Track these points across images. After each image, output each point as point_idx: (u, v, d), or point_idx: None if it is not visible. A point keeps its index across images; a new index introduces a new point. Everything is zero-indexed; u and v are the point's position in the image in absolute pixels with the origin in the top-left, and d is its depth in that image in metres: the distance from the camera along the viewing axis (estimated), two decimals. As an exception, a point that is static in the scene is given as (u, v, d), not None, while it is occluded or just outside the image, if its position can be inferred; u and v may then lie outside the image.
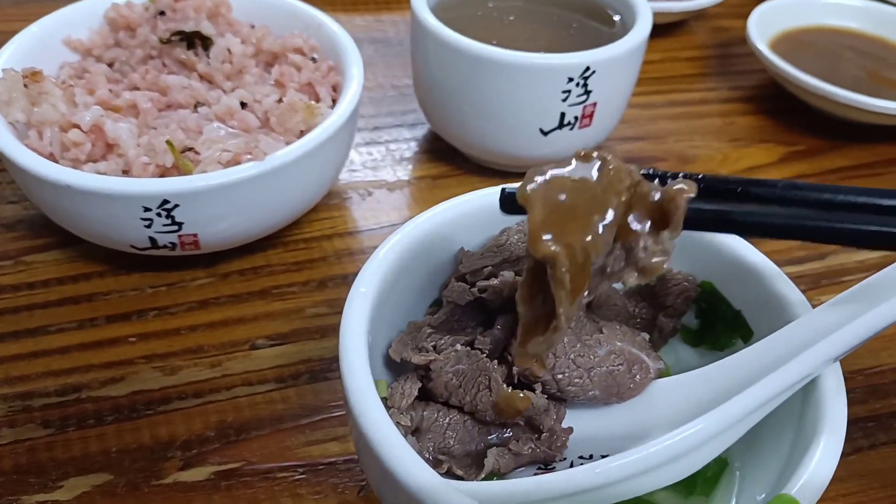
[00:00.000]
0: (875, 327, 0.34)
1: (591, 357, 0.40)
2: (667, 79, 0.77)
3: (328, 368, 0.50)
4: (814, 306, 0.39)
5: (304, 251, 0.58)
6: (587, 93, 0.57)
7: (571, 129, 0.59)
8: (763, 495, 0.38)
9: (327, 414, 0.48)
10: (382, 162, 0.66)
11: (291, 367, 0.50)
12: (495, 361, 0.40)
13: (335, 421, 0.47)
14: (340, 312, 0.53)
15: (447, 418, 0.40)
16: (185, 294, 0.54)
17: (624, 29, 0.61)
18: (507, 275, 0.44)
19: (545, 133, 0.59)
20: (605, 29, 0.63)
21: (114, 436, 0.46)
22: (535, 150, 0.61)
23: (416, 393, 0.39)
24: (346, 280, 0.56)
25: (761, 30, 0.77)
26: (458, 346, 0.41)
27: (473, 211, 0.45)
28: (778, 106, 0.75)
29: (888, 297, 0.34)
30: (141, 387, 0.48)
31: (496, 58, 0.55)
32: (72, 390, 0.48)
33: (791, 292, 0.40)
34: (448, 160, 0.66)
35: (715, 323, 0.45)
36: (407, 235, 0.43)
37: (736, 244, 0.43)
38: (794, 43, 0.79)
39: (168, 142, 0.48)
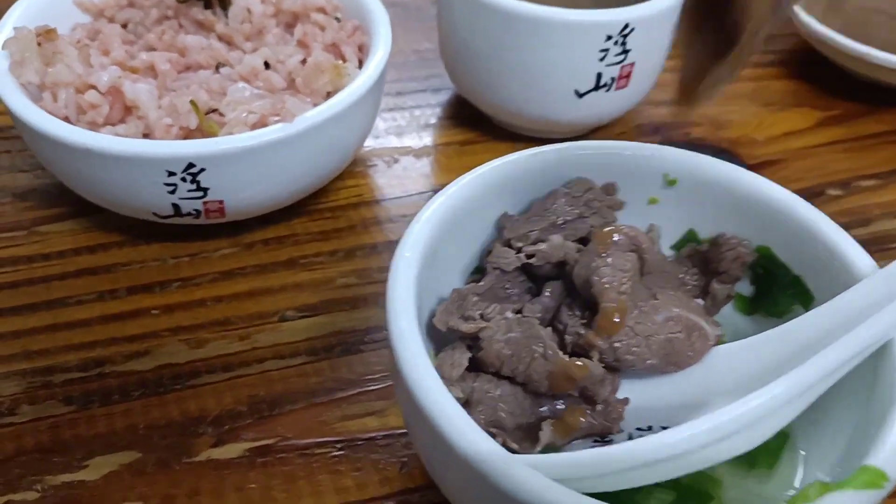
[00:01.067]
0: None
1: (649, 324, 0.38)
2: (696, 42, 0.74)
3: (361, 340, 0.48)
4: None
5: (329, 220, 0.55)
6: (625, 52, 0.55)
7: (608, 90, 0.57)
8: (828, 468, 0.36)
9: (363, 388, 0.45)
10: (407, 128, 0.63)
11: (323, 339, 0.48)
12: (549, 329, 0.38)
13: (372, 395, 0.45)
14: (370, 283, 0.52)
15: (498, 390, 0.38)
16: (208, 264, 0.52)
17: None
18: (556, 239, 0.41)
19: (580, 95, 0.56)
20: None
21: (140, 412, 0.44)
22: (569, 114, 0.58)
23: (466, 363, 0.37)
24: (375, 249, 0.54)
25: (794, -9, 0.74)
26: (508, 314, 0.39)
27: (517, 173, 0.43)
28: (812, 70, 0.72)
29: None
30: (167, 360, 0.46)
31: (529, 15, 0.53)
32: (94, 365, 0.46)
33: (856, 253, 0.38)
34: (475, 126, 0.64)
35: (772, 289, 0.43)
36: (450, 197, 0.41)
37: (795, 203, 0.41)
38: (827, 5, 0.76)
39: (192, 102, 0.46)
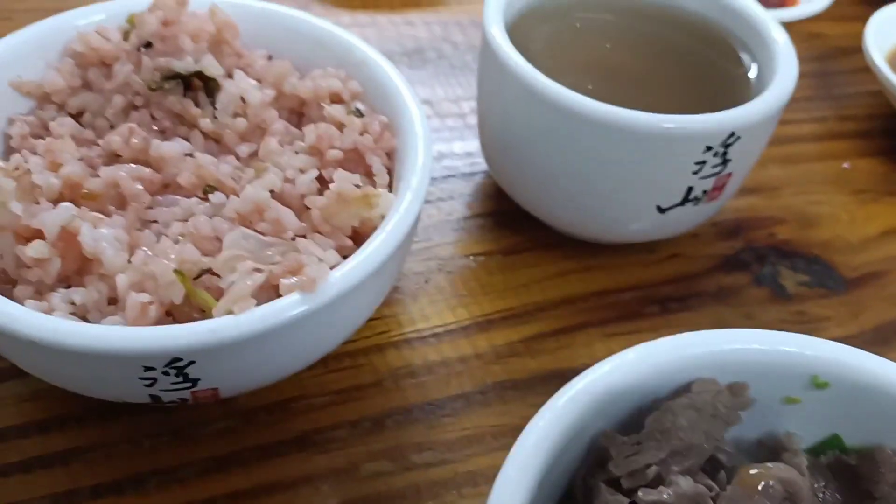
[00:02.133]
0: None
1: None
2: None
3: (402, 564, 0.37)
4: None
5: (350, 371, 0.44)
6: (725, 162, 0.43)
7: (696, 204, 0.45)
8: None
9: None
10: (436, 230, 0.51)
11: (351, 564, 0.37)
12: None
13: None
14: (407, 469, 0.40)
15: None
16: (196, 448, 0.40)
17: (759, 74, 0.47)
18: (685, 483, 0.31)
19: (663, 210, 0.45)
20: (731, 68, 0.49)
21: None
22: (645, 228, 0.47)
23: None
24: (411, 416, 0.42)
25: (877, 41, 0.63)
26: None
27: (625, 381, 0.32)
28: (904, 143, 0.62)
29: None
30: None
31: (612, 119, 0.41)
32: None
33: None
34: (518, 226, 0.52)
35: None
36: (559, 418, 0.30)
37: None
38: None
39: (177, 271, 0.33)
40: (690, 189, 0.44)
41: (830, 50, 0.70)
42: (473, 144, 0.54)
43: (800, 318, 0.49)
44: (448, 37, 0.66)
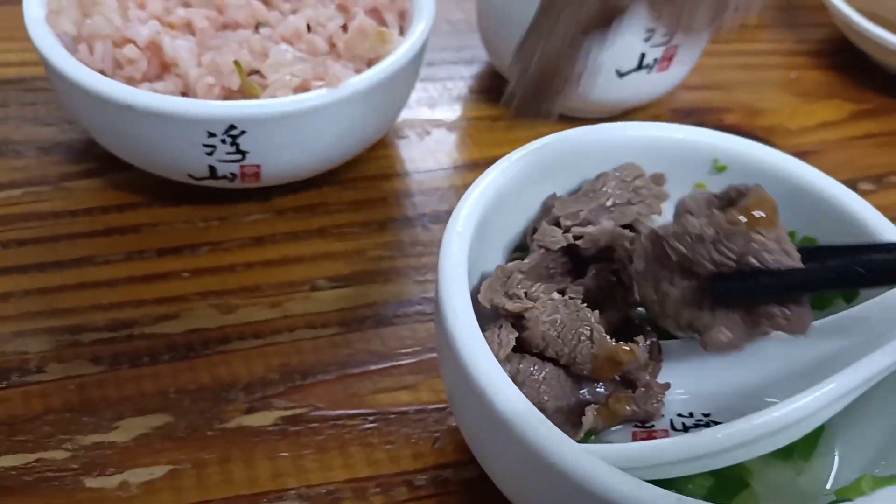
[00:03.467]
0: None
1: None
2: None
3: (393, 314, 0.47)
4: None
5: (361, 190, 0.54)
6: (671, 34, 0.54)
7: (649, 71, 0.56)
8: (863, 464, 0.36)
9: (395, 361, 0.45)
10: (439, 100, 0.62)
11: (355, 310, 0.47)
12: (596, 312, 0.38)
13: (404, 369, 0.45)
14: (403, 256, 0.51)
15: (542, 372, 0.37)
16: (238, 229, 0.51)
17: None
18: (607, 224, 0.41)
19: (621, 75, 0.56)
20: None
21: (170, 376, 0.43)
22: (609, 94, 0.57)
23: (513, 342, 0.37)
24: (409, 221, 0.53)
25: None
26: (554, 295, 0.38)
27: (565, 153, 0.42)
28: (847, 61, 0.71)
29: None
30: (197, 325, 0.45)
31: (578, -9, 0.52)
32: (122, 326, 0.45)
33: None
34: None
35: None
36: (502, 173, 0.40)
37: (844, 195, 0.41)
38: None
39: (236, 62, 0.45)
40: (643, 55, 0.54)
41: (796, -10, 0.80)
42: (475, 41, 0.64)
43: (736, 178, 0.59)
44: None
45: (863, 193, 0.59)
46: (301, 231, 0.51)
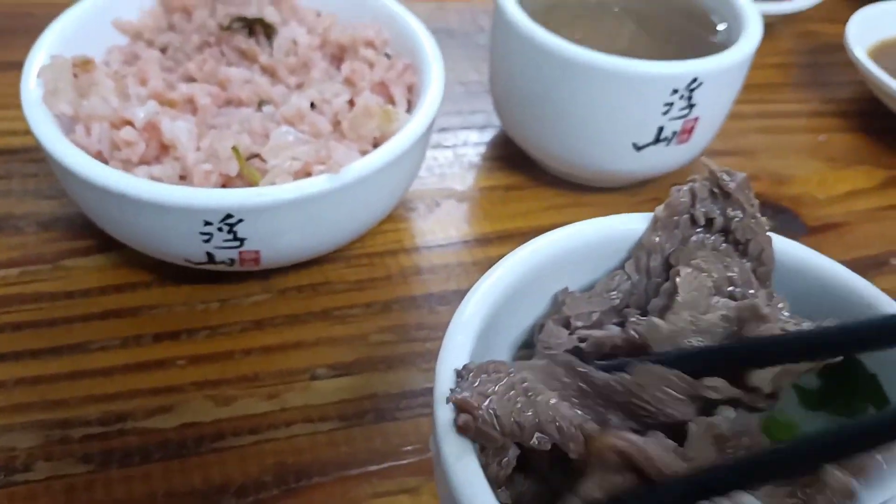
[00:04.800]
0: None
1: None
2: (755, 87, 0.70)
3: (396, 407, 0.45)
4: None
5: (366, 268, 0.53)
6: (690, 106, 0.51)
7: (668, 144, 0.53)
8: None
9: (396, 461, 0.43)
10: (450, 168, 0.61)
11: (355, 402, 0.45)
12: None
13: (405, 470, 0.42)
14: (408, 341, 0.49)
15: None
16: (238, 312, 0.49)
17: (729, 37, 0.55)
18: (613, 329, 0.38)
19: (638, 148, 0.53)
20: (708, 36, 0.57)
21: (161, 477, 0.41)
22: (625, 166, 0.55)
23: (514, 462, 0.34)
24: (414, 302, 0.51)
25: (860, 37, 0.70)
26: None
27: (579, 246, 0.40)
28: (877, 124, 0.68)
29: None
30: (191, 418, 0.44)
31: (593, 63, 0.50)
32: (115, 419, 0.43)
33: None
34: (521, 169, 0.61)
35: (843, 385, 0.40)
36: (510, 271, 0.38)
37: (872, 294, 0.38)
38: None
39: (234, 148, 0.43)
40: (661, 129, 0.52)
41: (821, 46, 0.78)
42: (489, 104, 0.63)
43: (760, 253, 0.56)
44: (475, 20, 0.76)
45: (894, 269, 0.57)
46: (303, 313, 0.49)
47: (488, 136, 0.64)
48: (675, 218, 0.39)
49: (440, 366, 0.33)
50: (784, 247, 0.40)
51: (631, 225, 0.41)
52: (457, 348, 0.34)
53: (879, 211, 0.61)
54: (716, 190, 0.38)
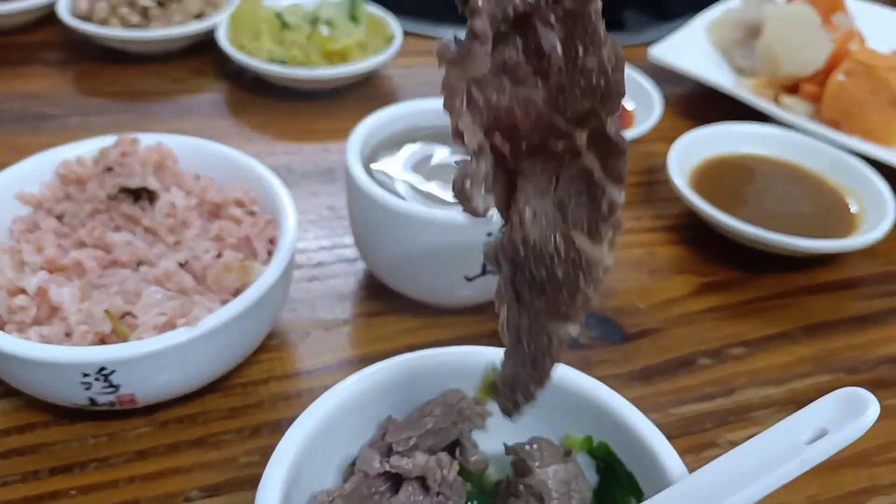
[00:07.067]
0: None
1: None
2: (595, 207, 0.81)
3: (258, 522, 0.53)
4: (720, 444, 0.50)
5: (240, 396, 0.61)
6: (506, 245, 0.61)
7: (495, 273, 0.63)
8: None
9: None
10: (322, 299, 0.70)
11: (222, 522, 0.53)
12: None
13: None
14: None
15: None
16: (124, 444, 0.57)
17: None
18: (421, 458, 0.47)
19: (469, 279, 0.63)
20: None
21: None
22: (462, 293, 0.65)
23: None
24: (280, 426, 0.59)
25: (684, 159, 0.82)
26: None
27: (399, 377, 0.49)
28: (697, 235, 0.80)
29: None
30: (77, 545, 0.51)
31: (417, 215, 0.60)
32: (10, 550, 0.50)
33: (670, 458, 0.44)
34: (384, 297, 0.70)
35: (611, 482, 0.48)
36: (329, 398, 0.47)
37: (623, 409, 0.48)
38: (717, 170, 0.85)
39: (107, 310, 0.52)
40: (485, 264, 0.62)
41: (659, 165, 0.89)
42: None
43: (584, 360, 0.66)
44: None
45: (702, 368, 0.67)
46: (182, 441, 0.57)
47: (359, 266, 0.74)
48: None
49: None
50: (565, 374, 0.49)
51: (445, 358, 0.50)
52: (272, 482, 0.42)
53: (692, 315, 0.71)
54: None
